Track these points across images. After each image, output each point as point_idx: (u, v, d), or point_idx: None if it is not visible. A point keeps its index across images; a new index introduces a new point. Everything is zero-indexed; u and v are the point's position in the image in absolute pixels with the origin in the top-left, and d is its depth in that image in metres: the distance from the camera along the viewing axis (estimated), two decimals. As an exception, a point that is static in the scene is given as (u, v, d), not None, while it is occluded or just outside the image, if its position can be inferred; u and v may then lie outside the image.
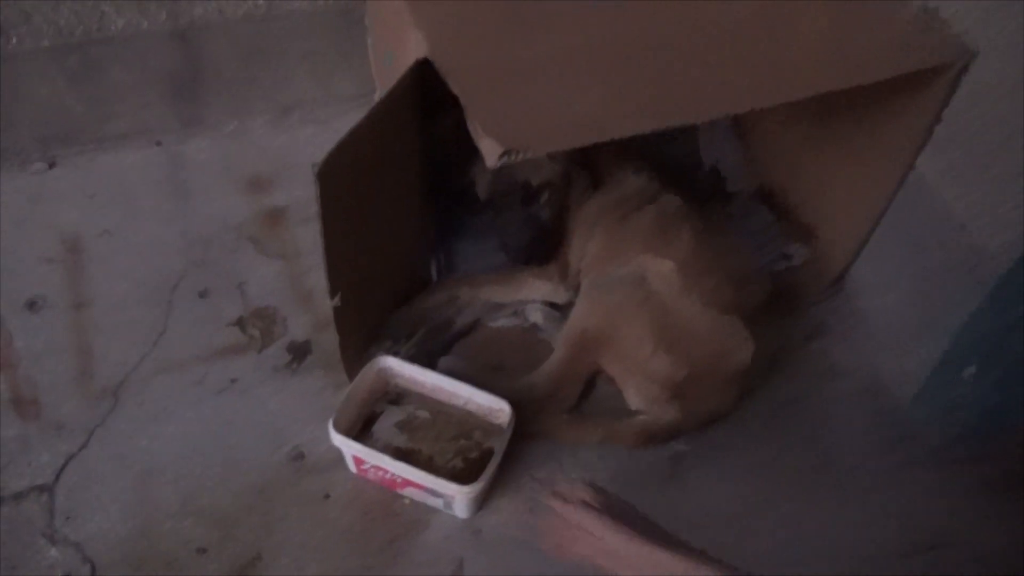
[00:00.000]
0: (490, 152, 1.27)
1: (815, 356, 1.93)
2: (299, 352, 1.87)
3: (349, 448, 1.58)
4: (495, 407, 1.66)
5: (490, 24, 1.55)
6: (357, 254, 1.59)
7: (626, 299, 1.70)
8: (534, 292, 1.94)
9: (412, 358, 1.74)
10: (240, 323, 1.91)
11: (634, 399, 1.74)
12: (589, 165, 1.93)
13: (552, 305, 1.93)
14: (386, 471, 1.58)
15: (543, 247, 1.87)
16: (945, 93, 1.56)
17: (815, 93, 1.44)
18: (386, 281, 1.79)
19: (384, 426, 1.70)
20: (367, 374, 1.68)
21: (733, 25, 1.58)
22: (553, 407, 1.74)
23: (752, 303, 1.76)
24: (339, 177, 1.35)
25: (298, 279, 2.00)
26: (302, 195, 2.14)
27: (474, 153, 1.89)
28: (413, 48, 1.50)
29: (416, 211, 1.83)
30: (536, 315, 1.92)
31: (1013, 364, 1.58)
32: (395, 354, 1.72)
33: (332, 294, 1.54)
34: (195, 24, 2.11)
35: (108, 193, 2.14)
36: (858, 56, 1.53)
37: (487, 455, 1.62)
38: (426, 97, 1.56)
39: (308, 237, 2.04)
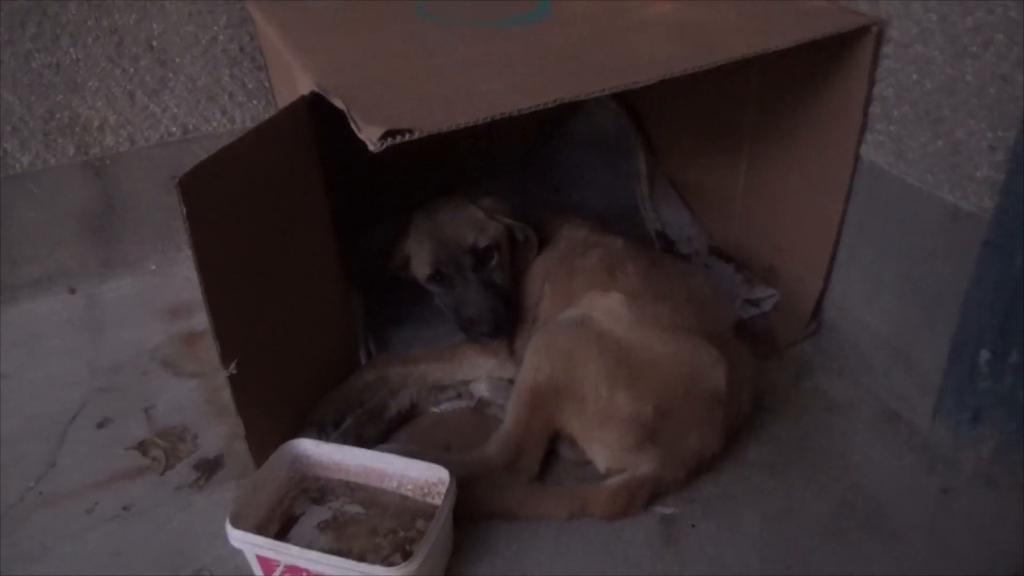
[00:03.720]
0: (371, 136, 1.13)
1: (809, 395, 1.67)
2: (207, 468, 1.59)
3: (252, 547, 1.26)
4: (432, 481, 1.37)
5: (372, 57, 1.51)
6: (255, 312, 1.39)
7: (575, 342, 1.47)
8: (477, 370, 1.70)
9: (343, 447, 1.47)
10: (141, 446, 1.65)
11: (602, 455, 1.45)
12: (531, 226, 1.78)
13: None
14: (303, 573, 1.25)
15: (506, 315, 1.64)
16: (868, 62, 1.47)
17: (728, 60, 1.34)
18: (302, 360, 1.56)
19: (303, 529, 1.39)
20: (278, 463, 1.40)
21: (639, 25, 1.57)
22: (512, 480, 1.45)
23: (720, 325, 1.53)
24: (211, 197, 1.19)
25: (214, 393, 1.77)
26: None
27: (402, 239, 1.78)
28: (302, 91, 1.41)
29: (332, 286, 1.64)
30: (482, 388, 1.67)
31: (1031, 334, 1.34)
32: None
33: (224, 358, 1.31)
34: (106, 155, 2.05)
35: (11, 338, 1.97)
36: (770, 30, 1.47)
37: (433, 544, 1.30)
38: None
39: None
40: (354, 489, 1.44)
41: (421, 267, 1.70)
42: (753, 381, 1.55)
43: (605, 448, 1.43)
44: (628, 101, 2.28)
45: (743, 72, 1.81)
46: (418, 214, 1.73)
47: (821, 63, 1.56)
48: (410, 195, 1.85)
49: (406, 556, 1.32)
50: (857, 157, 1.57)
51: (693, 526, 1.39)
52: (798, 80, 1.64)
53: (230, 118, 2.15)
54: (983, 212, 1.33)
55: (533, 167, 2.47)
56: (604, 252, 1.66)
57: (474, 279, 1.65)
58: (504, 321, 1.64)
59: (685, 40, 1.48)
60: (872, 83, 1.50)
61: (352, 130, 1.18)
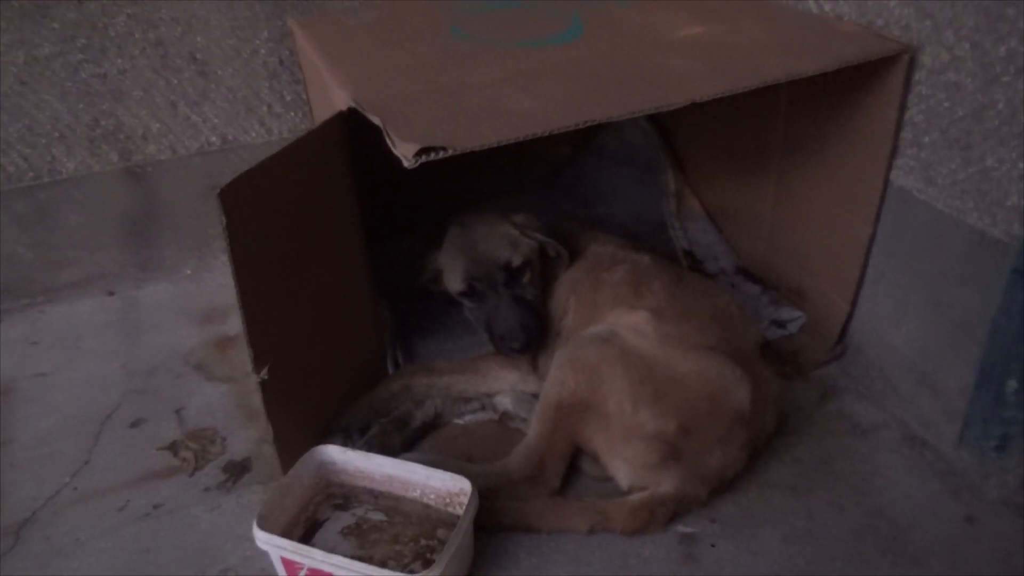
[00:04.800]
0: (406, 153, 1.16)
1: (833, 417, 1.66)
2: (236, 470, 1.63)
3: (278, 549, 1.29)
4: (454, 491, 1.39)
5: (407, 74, 1.54)
6: (287, 319, 1.43)
7: (600, 358, 1.49)
8: (500, 383, 1.72)
9: (367, 455, 1.49)
10: (172, 447, 1.69)
11: (624, 472, 1.46)
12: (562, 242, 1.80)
13: (524, 393, 1.72)
14: (325, 576, 1.28)
15: (537, 330, 1.67)
16: (900, 88, 1.48)
17: (759, 84, 1.36)
18: (331, 368, 1.60)
19: (327, 535, 1.42)
20: (304, 468, 1.43)
21: (671, 47, 1.59)
22: (532, 492, 1.46)
23: (745, 345, 1.54)
24: (249, 208, 1.23)
25: (244, 398, 1.81)
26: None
27: (433, 251, 1.81)
28: (339, 105, 1.45)
29: (361, 296, 1.68)
30: (505, 402, 1.69)
31: (1060, 364, 1.33)
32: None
33: (256, 363, 1.35)
34: (148, 162, 2.12)
35: (52, 338, 2.04)
36: (802, 53, 1.48)
37: (453, 553, 1.32)
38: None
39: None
40: (378, 496, 1.46)
41: (454, 282, 1.73)
42: (777, 401, 1.55)
43: (627, 465, 1.44)
44: (657, 118, 2.30)
45: (773, 92, 1.81)
46: (451, 228, 1.76)
47: (852, 86, 1.57)
48: (441, 205, 1.89)
49: (427, 564, 1.34)
50: (887, 182, 1.57)
51: (713, 545, 1.39)
52: (828, 102, 1.65)
53: (268, 129, 2.20)
54: (1012, 239, 1.33)
55: (562, 180, 2.49)
56: (631, 268, 1.68)
57: (506, 295, 1.67)
58: (535, 336, 1.67)
59: (717, 62, 1.49)
60: (903, 109, 1.50)
61: (385, 142, 1.22)
